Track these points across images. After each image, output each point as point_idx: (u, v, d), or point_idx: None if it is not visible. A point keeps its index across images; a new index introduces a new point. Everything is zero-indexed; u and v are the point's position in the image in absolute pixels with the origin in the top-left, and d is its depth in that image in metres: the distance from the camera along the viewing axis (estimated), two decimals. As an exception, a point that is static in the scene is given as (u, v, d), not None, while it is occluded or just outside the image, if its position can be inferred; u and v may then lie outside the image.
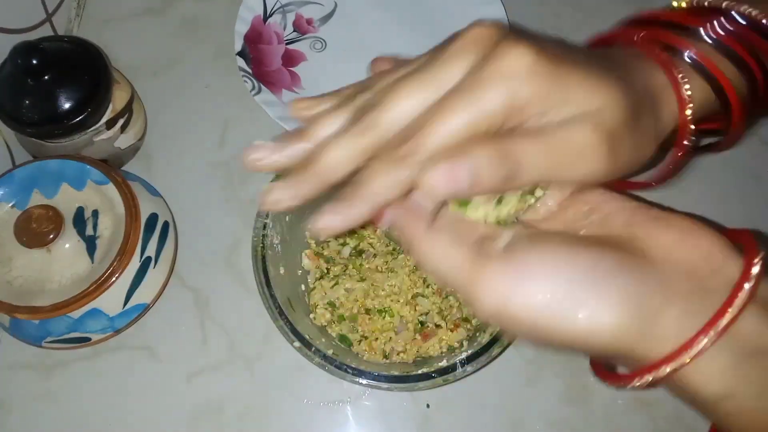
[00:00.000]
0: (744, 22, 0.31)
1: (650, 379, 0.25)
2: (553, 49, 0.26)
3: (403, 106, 0.26)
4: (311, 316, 0.48)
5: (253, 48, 0.59)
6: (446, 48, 0.27)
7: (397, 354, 0.46)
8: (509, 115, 0.25)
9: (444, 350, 0.46)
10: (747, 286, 0.24)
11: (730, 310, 0.24)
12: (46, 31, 0.57)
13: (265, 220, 0.43)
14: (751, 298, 0.24)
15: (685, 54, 0.30)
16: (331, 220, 0.26)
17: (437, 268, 0.26)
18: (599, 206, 0.28)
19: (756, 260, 0.25)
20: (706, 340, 0.24)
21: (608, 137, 0.26)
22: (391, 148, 0.26)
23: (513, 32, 0.26)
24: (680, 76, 0.30)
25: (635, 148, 0.28)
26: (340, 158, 0.26)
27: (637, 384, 0.25)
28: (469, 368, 0.41)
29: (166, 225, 0.49)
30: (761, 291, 0.25)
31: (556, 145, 0.25)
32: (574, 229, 0.28)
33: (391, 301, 0.47)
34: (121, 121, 0.51)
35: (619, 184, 0.34)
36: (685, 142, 0.31)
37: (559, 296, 0.24)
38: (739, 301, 0.24)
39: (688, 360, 0.24)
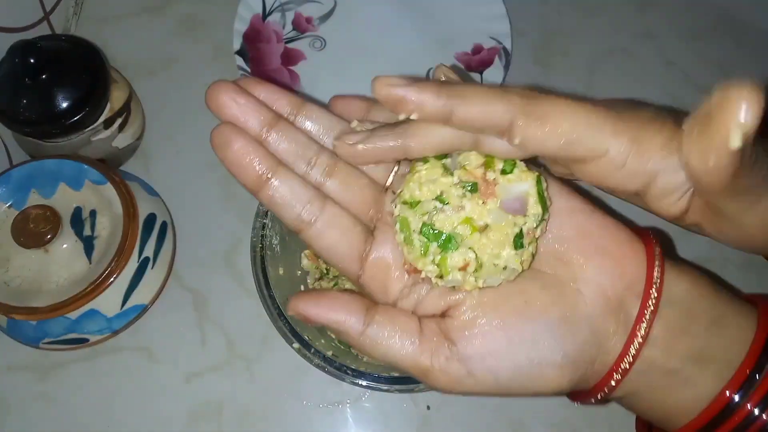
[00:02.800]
0: None
1: (603, 394, 0.28)
2: None
3: None
4: (311, 316, 0.47)
5: (252, 47, 0.58)
6: None
7: (397, 355, 0.46)
8: None
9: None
10: (653, 293, 0.27)
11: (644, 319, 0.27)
12: (43, 30, 0.56)
13: (264, 220, 0.43)
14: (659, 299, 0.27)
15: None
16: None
17: (386, 358, 0.27)
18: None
19: (655, 272, 0.27)
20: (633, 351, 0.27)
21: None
22: None
23: None
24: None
25: None
26: None
27: (597, 399, 0.29)
28: (469, 370, 0.40)
29: (164, 225, 0.49)
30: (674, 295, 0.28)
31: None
32: None
33: (391, 301, 0.47)
34: (118, 121, 0.51)
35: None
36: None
37: (503, 377, 0.27)
38: (648, 313, 0.27)
39: (627, 366, 0.27)
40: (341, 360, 0.41)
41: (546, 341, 0.26)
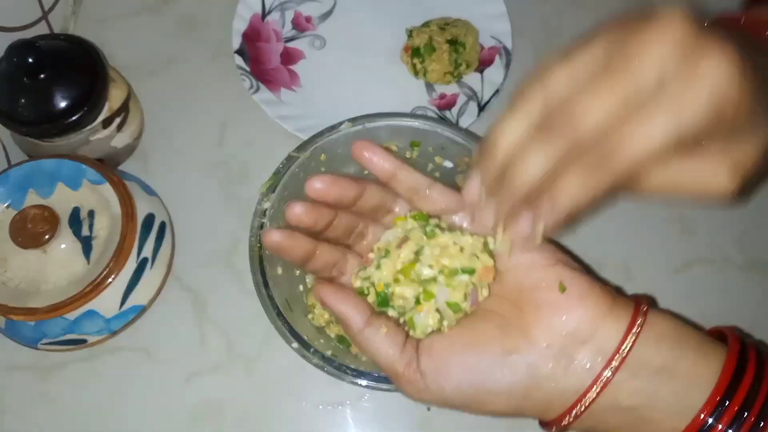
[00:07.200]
0: None
1: (562, 427, 0.32)
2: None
3: (597, 110, 0.25)
4: (309, 316, 0.47)
5: (252, 46, 0.58)
6: (632, 43, 0.25)
7: (397, 355, 0.46)
8: (712, 125, 0.24)
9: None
10: (616, 360, 0.30)
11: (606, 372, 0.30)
12: (42, 30, 0.56)
13: (263, 220, 0.43)
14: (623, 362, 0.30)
15: None
16: (526, 227, 0.29)
17: (373, 357, 0.33)
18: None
19: (632, 331, 0.30)
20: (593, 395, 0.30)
21: None
22: (584, 154, 0.25)
23: (703, 23, 0.25)
24: None
25: None
26: (535, 168, 0.26)
27: (559, 428, 0.32)
28: (469, 369, 0.40)
29: (163, 225, 0.49)
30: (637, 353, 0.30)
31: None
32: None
33: (391, 301, 0.46)
34: (117, 120, 0.51)
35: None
36: None
37: (449, 395, 0.31)
38: (609, 371, 0.30)
39: (582, 409, 0.30)
40: (340, 359, 0.41)
41: (484, 371, 0.31)
